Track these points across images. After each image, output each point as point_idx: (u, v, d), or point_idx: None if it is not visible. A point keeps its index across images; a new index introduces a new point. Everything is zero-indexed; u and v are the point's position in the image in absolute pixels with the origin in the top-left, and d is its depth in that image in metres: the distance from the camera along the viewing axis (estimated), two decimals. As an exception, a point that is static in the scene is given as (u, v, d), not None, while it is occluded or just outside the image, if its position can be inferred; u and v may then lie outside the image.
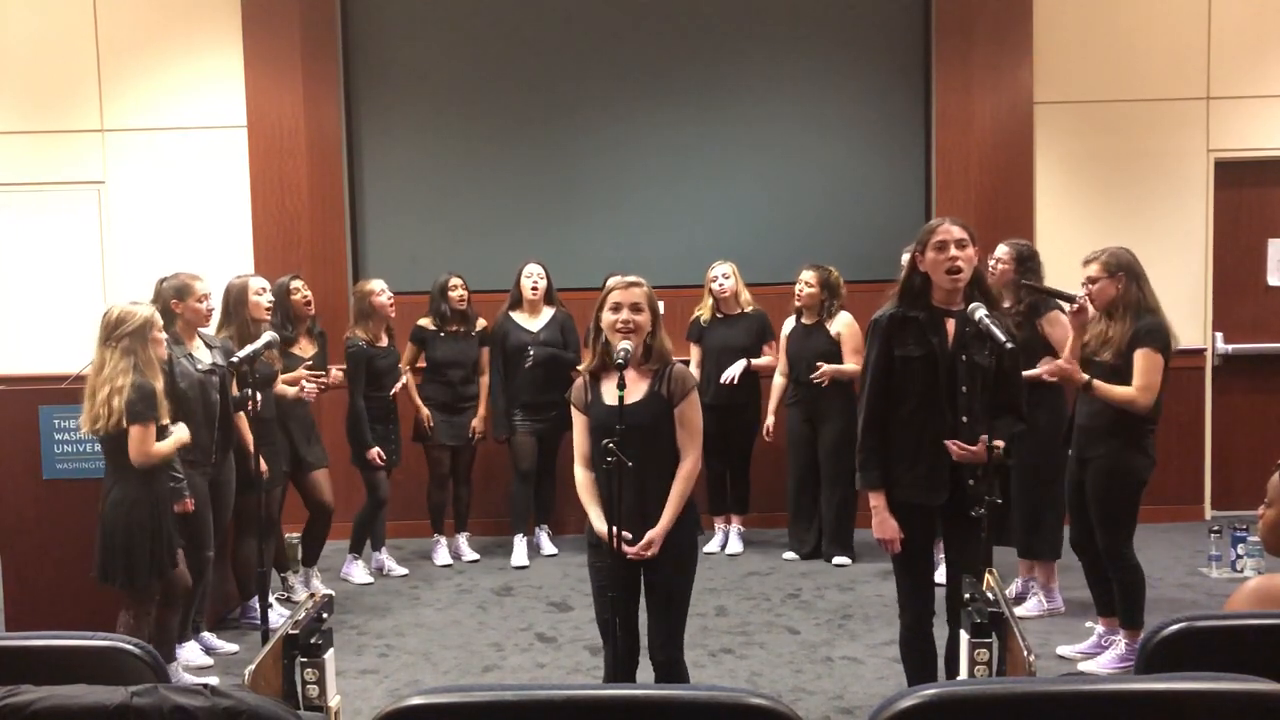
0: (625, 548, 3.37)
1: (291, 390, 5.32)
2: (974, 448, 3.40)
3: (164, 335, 4.34)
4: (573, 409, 3.60)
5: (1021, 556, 5.23)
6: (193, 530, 4.58)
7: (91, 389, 4.15)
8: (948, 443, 3.43)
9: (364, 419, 5.80)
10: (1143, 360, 4.27)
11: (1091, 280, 4.41)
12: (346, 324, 6.14)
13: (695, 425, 3.53)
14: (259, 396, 4.60)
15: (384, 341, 5.94)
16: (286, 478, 5.44)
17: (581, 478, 3.57)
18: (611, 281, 3.55)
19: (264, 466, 5.01)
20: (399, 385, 5.92)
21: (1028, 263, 5.00)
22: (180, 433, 4.32)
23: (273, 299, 5.27)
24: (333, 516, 5.66)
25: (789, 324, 6.19)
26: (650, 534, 3.43)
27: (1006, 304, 4.68)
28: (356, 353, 5.81)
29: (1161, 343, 4.29)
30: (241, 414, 4.86)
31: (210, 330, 5.03)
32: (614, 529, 3.29)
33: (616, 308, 3.47)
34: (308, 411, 5.53)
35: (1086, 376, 4.33)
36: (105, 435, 4.13)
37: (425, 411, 6.10)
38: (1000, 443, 3.43)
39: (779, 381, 6.22)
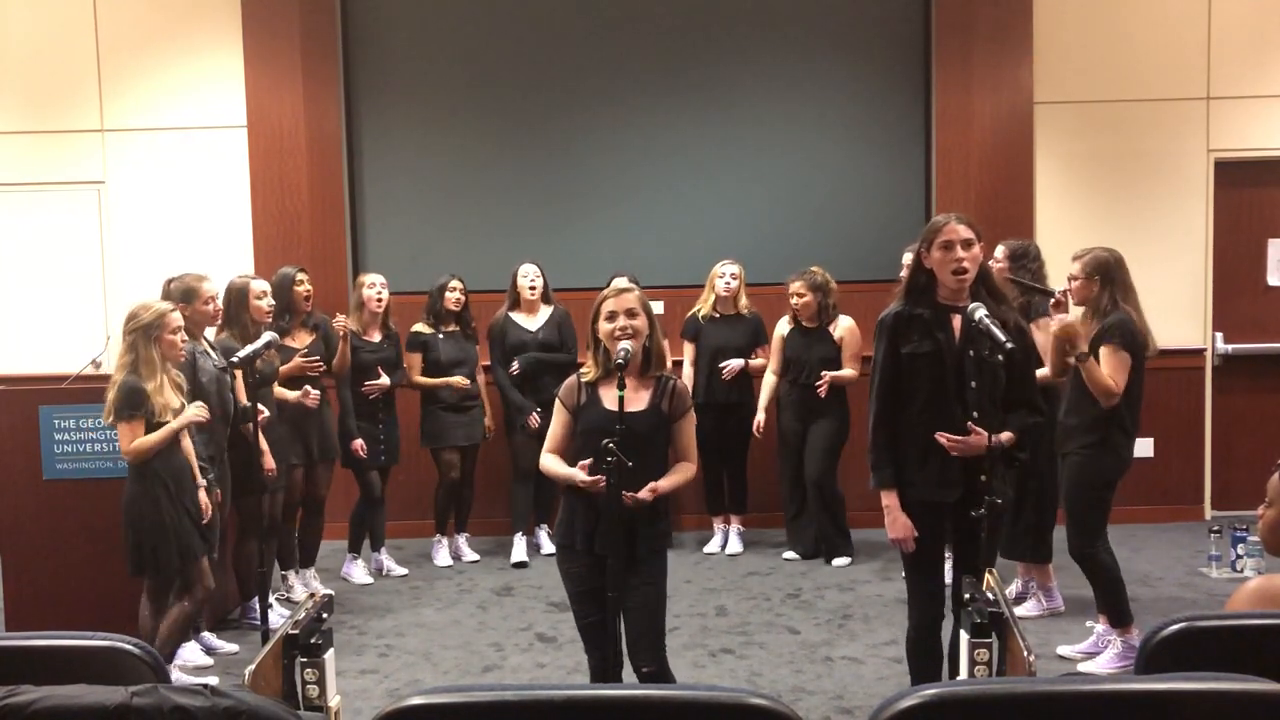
0: (624, 494, 3.31)
1: (292, 395, 5.32)
2: (966, 438, 3.39)
3: (179, 338, 4.33)
4: (558, 404, 3.58)
5: (1003, 557, 5.20)
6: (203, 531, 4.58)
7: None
8: (938, 436, 3.41)
9: (348, 410, 5.79)
10: (1109, 357, 4.31)
11: (1073, 277, 4.50)
12: (346, 324, 6.14)
13: (692, 439, 3.58)
14: (265, 410, 4.62)
15: (374, 336, 5.93)
16: (296, 469, 5.44)
17: (546, 458, 3.56)
18: (602, 293, 3.54)
19: (271, 465, 5.04)
20: (376, 383, 5.84)
21: (1021, 259, 5.02)
22: (186, 415, 4.25)
23: (273, 302, 5.25)
24: (323, 508, 5.67)
25: (784, 325, 6.18)
26: (651, 484, 3.38)
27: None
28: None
29: (1124, 339, 4.31)
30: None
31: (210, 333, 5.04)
32: (613, 460, 3.24)
33: (612, 316, 3.46)
34: (322, 404, 5.52)
35: (1086, 348, 4.35)
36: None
37: (457, 379, 6.05)
38: (1008, 435, 3.42)
39: (770, 380, 6.22)
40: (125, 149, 6.88)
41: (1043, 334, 4.84)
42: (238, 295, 5.15)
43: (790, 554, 6.21)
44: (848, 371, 5.98)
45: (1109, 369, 4.30)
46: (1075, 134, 6.84)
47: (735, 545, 6.38)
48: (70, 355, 6.51)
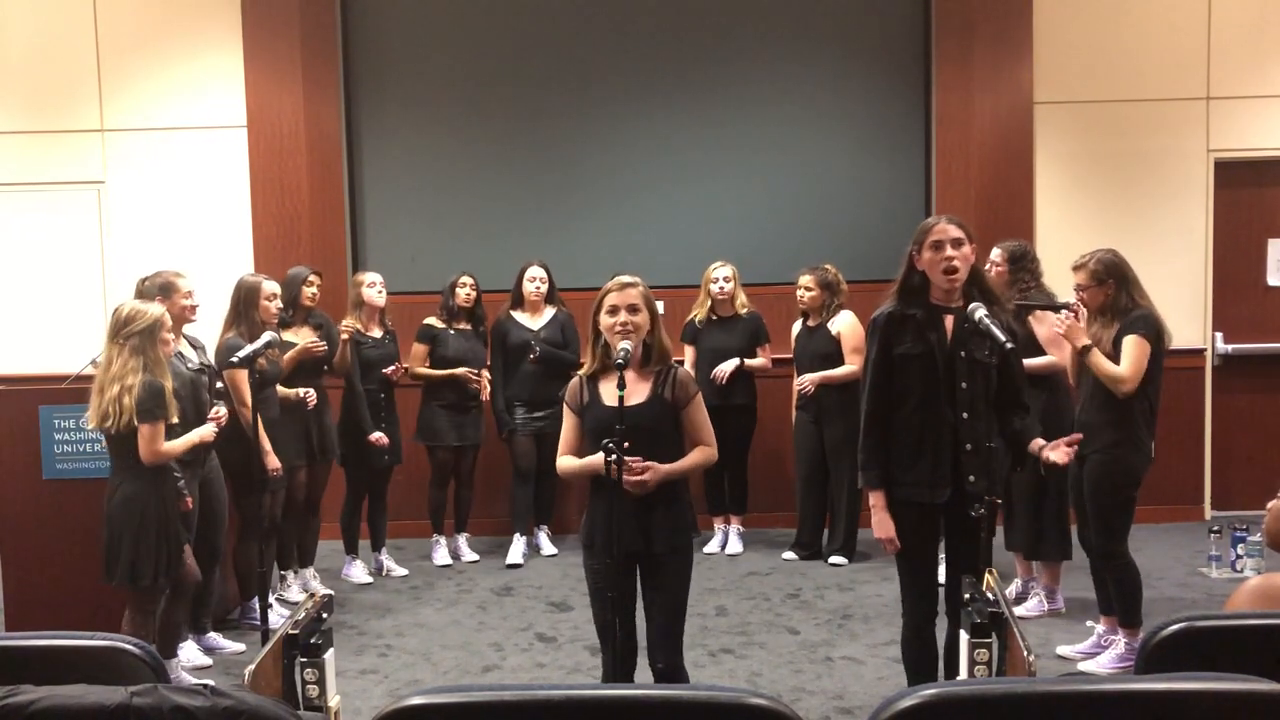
0: (625, 476, 3.30)
1: (291, 393, 5.32)
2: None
3: (171, 336, 4.33)
4: (565, 408, 3.59)
5: (1028, 559, 5.22)
6: (188, 527, 4.57)
7: (99, 385, 4.17)
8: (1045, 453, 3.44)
9: (363, 402, 5.80)
10: (1131, 346, 4.31)
11: (1081, 287, 4.48)
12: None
13: (705, 424, 3.54)
14: (224, 411, 4.62)
15: (375, 333, 5.94)
16: (299, 470, 5.44)
17: (562, 461, 3.57)
18: (606, 286, 3.54)
19: (276, 464, 5.03)
20: (392, 369, 5.87)
21: (1020, 261, 5.00)
22: (202, 431, 4.41)
23: (281, 305, 5.25)
24: (318, 507, 5.66)
25: (797, 326, 6.21)
26: (650, 464, 3.35)
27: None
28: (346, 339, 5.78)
29: (1150, 330, 4.32)
30: (246, 414, 4.81)
31: (211, 329, 5.03)
32: (615, 461, 3.24)
33: (614, 310, 3.46)
34: (322, 403, 5.52)
35: (1088, 340, 4.36)
36: (115, 434, 4.14)
37: (463, 370, 6.06)
38: (1038, 443, 3.47)
39: (798, 383, 6.19)
40: (125, 149, 6.88)
41: (1042, 326, 4.85)
42: (248, 293, 5.14)
43: (790, 554, 6.21)
44: (841, 370, 5.97)
45: (1129, 355, 4.28)
46: (1075, 134, 6.84)
47: (735, 545, 6.38)
48: (70, 355, 6.48)
